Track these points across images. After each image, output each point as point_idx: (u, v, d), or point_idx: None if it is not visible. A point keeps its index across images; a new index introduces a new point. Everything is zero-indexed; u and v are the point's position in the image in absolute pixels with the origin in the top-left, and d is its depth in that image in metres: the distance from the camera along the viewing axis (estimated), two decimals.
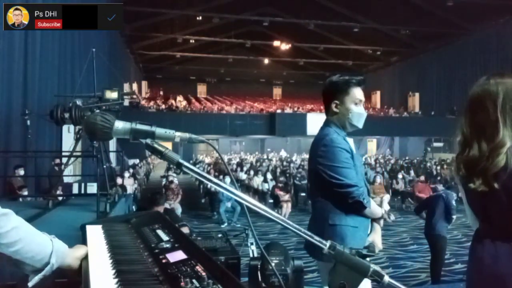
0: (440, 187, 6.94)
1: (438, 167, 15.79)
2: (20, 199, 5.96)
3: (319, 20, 20.79)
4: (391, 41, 23.76)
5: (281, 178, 11.37)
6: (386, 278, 0.73)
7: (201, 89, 35.15)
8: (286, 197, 9.76)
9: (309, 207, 11.17)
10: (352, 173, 1.95)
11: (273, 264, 2.66)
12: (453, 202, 5.19)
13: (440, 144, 23.15)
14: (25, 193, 6.12)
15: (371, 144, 28.14)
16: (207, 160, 22.57)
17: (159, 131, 0.86)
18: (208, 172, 12.61)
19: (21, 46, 7.19)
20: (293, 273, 2.79)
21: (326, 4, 20.91)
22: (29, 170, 7.07)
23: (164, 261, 1.08)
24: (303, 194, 11.44)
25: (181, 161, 0.83)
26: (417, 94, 25.51)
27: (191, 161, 20.43)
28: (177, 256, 1.08)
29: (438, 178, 11.95)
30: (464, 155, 1.36)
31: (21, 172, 6.52)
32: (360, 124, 2.10)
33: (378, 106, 28.87)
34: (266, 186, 11.07)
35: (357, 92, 2.07)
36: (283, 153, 25.94)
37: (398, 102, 26.53)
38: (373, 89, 30.47)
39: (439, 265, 5.05)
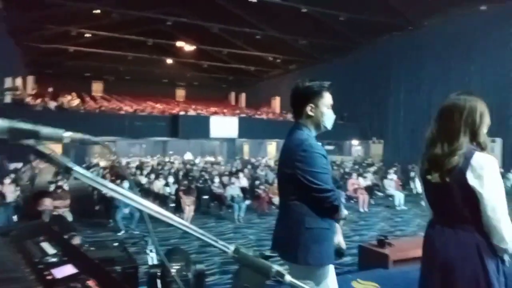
0: None
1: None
2: None
3: (223, 24, 21.02)
4: (290, 50, 25.08)
5: (184, 182, 11.18)
6: (287, 277, 0.75)
7: (97, 87, 32.87)
8: (189, 200, 9.62)
9: (212, 209, 11.18)
10: (329, 179, 2.03)
11: (174, 270, 2.58)
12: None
13: (331, 147, 25.17)
14: None
15: (271, 147, 29.32)
16: (102, 163, 21.12)
17: (45, 130, 0.74)
18: (104, 177, 11.81)
19: None
20: (194, 277, 2.74)
21: (231, 9, 21.25)
22: None
23: (49, 277, 0.96)
24: (205, 197, 11.41)
25: (70, 165, 0.74)
26: None
27: (84, 165, 18.91)
28: (65, 271, 0.98)
29: None
30: (429, 152, 1.65)
31: None
32: (330, 126, 2.21)
33: (278, 111, 30.24)
34: (167, 190, 10.78)
35: (329, 97, 2.19)
36: (188, 156, 25.58)
37: None
38: (273, 95, 31.85)
39: None
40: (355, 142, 23.78)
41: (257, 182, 12.56)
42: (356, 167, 18.10)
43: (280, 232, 2.21)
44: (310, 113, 2.15)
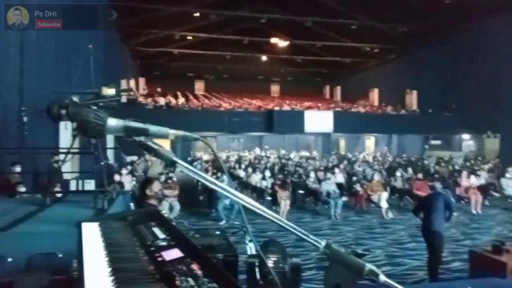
0: (438, 185, 6.95)
1: (436, 166, 15.82)
2: (17, 196, 5.93)
3: (316, 17, 20.74)
4: (389, 38, 23.70)
5: (279, 176, 11.36)
6: (382, 277, 0.72)
7: (199, 86, 35.10)
8: (284, 194, 9.75)
9: (307, 204, 11.17)
10: None
11: (271, 262, 2.65)
12: (452, 200, 5.22)
13: (438, 142, 23.17)
14: (22, 189, 6.09)
15: (369, 141, 28.16)
16: (205, 157, 22.53)
17: (153, 128, 0.85)
18: (206, 170, 12.59)
19: (17, 42, 7.15)
20: (290, 270, 2.78)
21: (324, 1, 20.87)
22: (26, 167, 7.03)
23: (159, 259, 1.07)
24: (301, 191, 11.42)
25: (175, 159, 0.82)
26: (414, 92, 25.51)
27: (189, 158, 20.39)
28: (173, 254, 1.08)
29: (436, 176, 11.97)
30: None
31: (18, 169, 6.48)
32: None
33: (376, 103, 28.89)
34: (264, 183, 11.07)
35: None
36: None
37: (396, 99, 26.56)
38: (371, 87, 30.47)
39: (436, 262, 5.06)
40: (465, 136, 21.57)
41: (354, 178, 12.19)
42: (468, 164, 16.43)
43: None
44: None
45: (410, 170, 13.51)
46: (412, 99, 25.64)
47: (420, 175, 11.48)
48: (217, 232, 3.95)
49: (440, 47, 22.58)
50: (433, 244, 5.04)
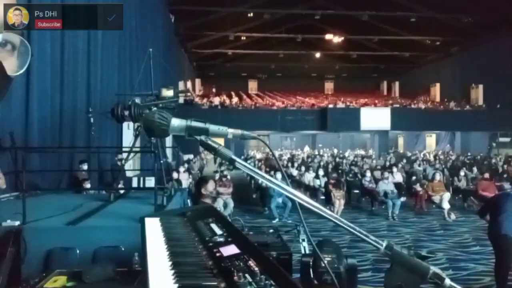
0: (507, 185, 6.44)
1: (505, 165, 14.67)
2: (84, 192, 6.36)
3: (373, 11, 20.06)
4: (452, 30, 22.34)
5: (334, 175, 11.15)
6: (447, 281, 0.69)
7: (252, 85, 35.46)
8: (339, 194, 9.56)
9: (363, 204, 10.86)
10: None
11: (326, 262, 2.62)
12: None
13: (507, 139, 21.46)
14: (88, 185, 6.53)
15: (430, 139, 26.77)
16: (258, 155, 22.73)
17: (213, 128, 0.88)
18: (259, 168, 12.70)
19: (84, 48, 7.67)
20: (346, 271, 2.73)
21: None
22: (93, 165, 7.53)
23: (217, 254, 1.10)
24: (356, 191, 11.13)
25: (233, 157, 0.84)
26: (480, 86, 23.81)
27: (242, 157, 20.69)
28: (230, 250, 1.10)
29: (505, 176, 11.10)
30: None
31: (85, 166, 6.96)
32: None
33: (438, 99, 27.37)
34: (317, 182, 10.93)
35: None
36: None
37: (460, 94, 24.96)
38: (432, 82, 28.93)
39: (504, 268, 4.69)
40: None
41: (413, 178, 11.65)
42: None
43: None
44: None
45: (475, 169, 12.65)
46: (478, 94, 23.98)
47: (486, 175, 10.70)
48: (271, 230, 3.96)
49: (508, 38, 20.87)
50: (501, 249, 4.67)
